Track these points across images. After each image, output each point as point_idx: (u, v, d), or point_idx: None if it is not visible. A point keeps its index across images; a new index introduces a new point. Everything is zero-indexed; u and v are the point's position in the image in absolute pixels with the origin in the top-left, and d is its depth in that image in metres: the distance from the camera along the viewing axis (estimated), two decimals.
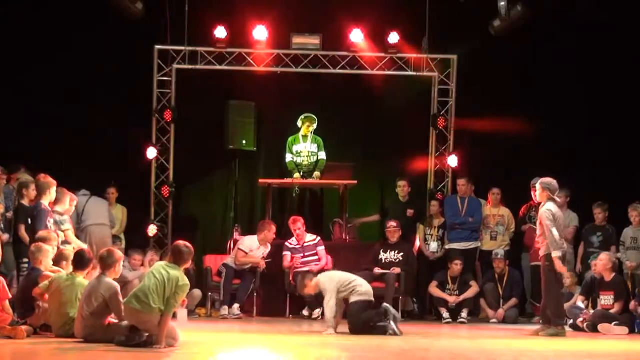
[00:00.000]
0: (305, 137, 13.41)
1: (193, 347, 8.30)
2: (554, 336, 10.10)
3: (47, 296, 8.88)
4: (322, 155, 13.40)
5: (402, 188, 13.35)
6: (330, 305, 9.83)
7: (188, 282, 8.15)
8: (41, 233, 9.70)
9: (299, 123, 13.41)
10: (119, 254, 8.64)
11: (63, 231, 10.39)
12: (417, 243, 13.24)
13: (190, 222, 14.49)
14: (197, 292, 12.49)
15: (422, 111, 14.31)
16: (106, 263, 8.49)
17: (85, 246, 10.79)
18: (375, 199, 14.58)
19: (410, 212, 13.29)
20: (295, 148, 13.40)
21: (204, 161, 14.27)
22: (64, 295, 8.75)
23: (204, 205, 14.57)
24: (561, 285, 10.91)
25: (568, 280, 12.31)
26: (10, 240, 10.64)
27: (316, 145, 13.41)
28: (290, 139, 13.46)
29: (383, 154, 14.36)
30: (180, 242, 8.32)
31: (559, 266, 10.22)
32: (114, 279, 8.51)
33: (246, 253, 12.37)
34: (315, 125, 13.39)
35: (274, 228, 12.50)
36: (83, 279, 8.85)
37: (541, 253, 10.39)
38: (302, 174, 13.31)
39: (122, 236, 13.22)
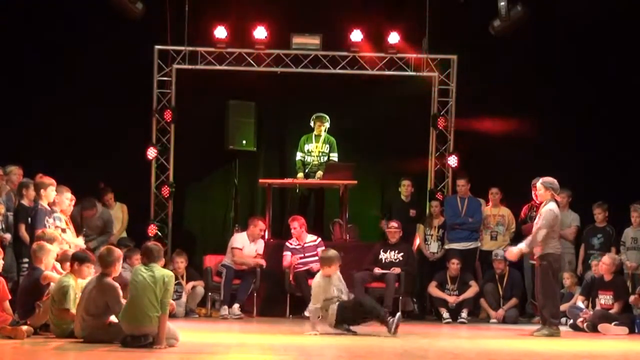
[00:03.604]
0: (317, 136, 13.45)
1: (193, 347, 8.31)
2: (548, 336, 10.10)
3: (49, 291, 8.93)
4: (334, 156, 13.43)
5: (406, 188, 13.34)
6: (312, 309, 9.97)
7: (173, 274, 8.21)
8: (47, 232, 9.69)
9: (311, 123, 13.47)
10: (118, 252, 8.62)
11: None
12: (417, 242, 13.22)
13: (190, 222, 14.51)
14: (200, 289, 12.50)
15: (422, 111, 14.31)
16: (106, 261, 8.47)
17: (82, 244, 10.80)
18: (376, 199, 14.59)
19: (412, 212, 13.30)
20: (306, 147, 13.47)
21: (204, 161, 14.28)
22: (56, 296, 8.77)
23: (204, 205, 14.57)
24: (558, 285, 10.91)
25: (568, 280, 12.34)
26: (11, 241, 10.63)
27: (328, 145, 13.46)
28: (303, 138, 13.52)
29: (383, 154, 14.36)
30: (148, 243, 8.48)
31: (513, 254, 10.64)
32: (113, 278, 8.50)
33: (241, 249, 12.39)
34: (327, 125, 13.44)
35: (260, 224, 12.56)
36: (81, 279, 8.85)
37: (536, 253, 10.41)
38: (306, 171, 13.34)
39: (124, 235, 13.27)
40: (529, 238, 10.44)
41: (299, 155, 13.51)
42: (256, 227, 12.52)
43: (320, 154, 13.45)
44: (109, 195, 13.18)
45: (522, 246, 10.52)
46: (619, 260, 11.57)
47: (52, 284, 9.12)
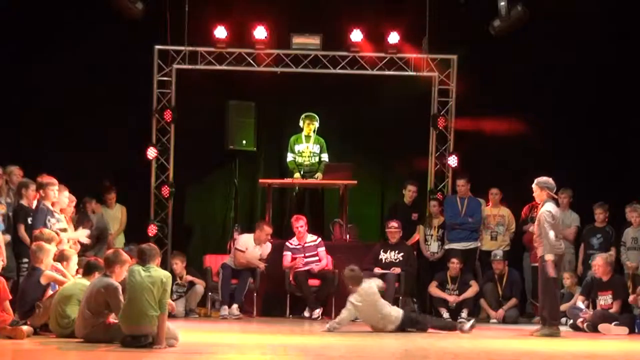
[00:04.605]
0: (307, 137, 13.42)
1: (193, 347, 8.31)
2: (548, 336, 10.10)
3: (49, 292, 8.94)
4: (325, 156, 13.41)
5: (411, 192, 13.34)
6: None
7: (169, 275, 8.21)
8: (45, 232, 9.69)
9: (300, 122, 13.43)
10: (125, 257, 8.60)
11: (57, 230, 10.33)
12: (415, 239, 13.22)
13: (190, 222, 14.51)
14: (200, 288, 12.50)
15: (422, 111, 14.30)
16: (109, 262, 8.49)
17: (85, 239, 10.80)
18: (375, 199, 14.59)
19: (414, 215, 13.30)
20: (297, 147, 13.41)
21: (204, 161, 14.27)
22: (65, 295, 8.78)
23: (204, 205, 14.57)
24: (558, 286, 10.90)
25: (568, 280, 12.33)
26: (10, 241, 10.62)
27: (318, 146, 13.41)
28: (292, 138, 13.47)
29: (383, 154, 14.37)
30: (142, 245, 8.49)
31: (551, 270, 10.23)
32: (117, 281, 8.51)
33: (243, 251, 12.39)
34: (316, 124, 13.39)
35: (266, 229, 12.49)
36: (85, 280, 8.87)
37: (539, 254, 10.40)
38: (302, 173, 13.32)
39: (121, 237, 13.28)
40: (547, 247, 10.30)
41: (290, 157, 13.43)
42: (262, 231, 12.47)
43: (311, 154, 13.42)
44: (112, 194, 13.23)
45: (547, 256, 10.27)
46: (611, 257, 11.58)
47: (51, 284, 9.16)
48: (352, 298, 10.30)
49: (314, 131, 13.41)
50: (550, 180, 10.42)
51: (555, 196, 10.68)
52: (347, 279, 10.48)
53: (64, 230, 10.38)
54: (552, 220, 10.21)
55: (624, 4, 13.43)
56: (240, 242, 12.51)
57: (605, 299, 11.29)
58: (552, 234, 10.14)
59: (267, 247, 12.58)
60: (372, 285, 10.42)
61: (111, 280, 8.41)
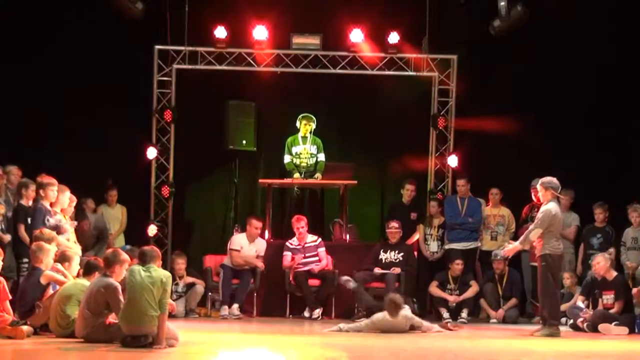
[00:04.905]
0: (304, 138, 13.38)
1: (193, 347, 8.31)
2: (548, 336, 10.10)
3: (49, 292, 8.94)
4: (322, 157, 13.37)
5: (410, 192, 13.34)
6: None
7: (169, 274, 8.21)
8: (45, 232, 9.68)
9: (297, 123, 13.40)
10: (124, 256, 8.61)
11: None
12: (415, 239, 13.23)
13: (190, 222, 14.51)
14: (200, 288, 12.49)
15: (422, 111, 14.31)
16: (109, 261, 8.49)
17: (78, 250, 10.78)
18: (375, 199, 14.59)
19: (413, 215, 13.30)
20: (294, 149, 13.37)
21: (204, 161, 14.27)
22: (65, 295, 8.78)
23: (204, 205, 14.57)
24: (558, 286, 10.91)
25: (568, 280, 12.34)
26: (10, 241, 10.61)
27: (315, 146, 13.38)
28: (289, 140, 13.43)
29: (383, 154, 14.37)
30: (144, 247, 8.50)
31: (508, 249, 10.79)
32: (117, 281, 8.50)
33: (239, 250, 12.39)
34: (313, 125, 13.36)
35: (255, 223, 12.53)
36: (85, 280, 8.87)
37: (537, 253, 10.42)
38: (301, 175, 13.30)
39: (121, 238, 13.28)
40: (523, 236, 10.50)
41: (287, 158, 13.34)
42: (252, 226, 12.52)
43: (309, 155, 13.38)
44: (113, 192, 13.24)
45: (517, 244, 10.60)
46: (610, 256, 11.60)
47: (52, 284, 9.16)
48: (376, 318, 10.26)
49: (310, 132, 13.38)
50: (554, 180, 10.43)
51: (560, 196, 10.69)
52: (387, 306, 10.30)
53: (55, 228, 10.30)
54: (548, 220, 10.23)
55: (624, 4, 13.43)
56: (234, 242, 12.53)
57: (608, 298, 11.29)
58: (535, 232, 10.25)
59: (262, 244, 12.59)
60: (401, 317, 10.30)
61: (111, 280, 8.41)
